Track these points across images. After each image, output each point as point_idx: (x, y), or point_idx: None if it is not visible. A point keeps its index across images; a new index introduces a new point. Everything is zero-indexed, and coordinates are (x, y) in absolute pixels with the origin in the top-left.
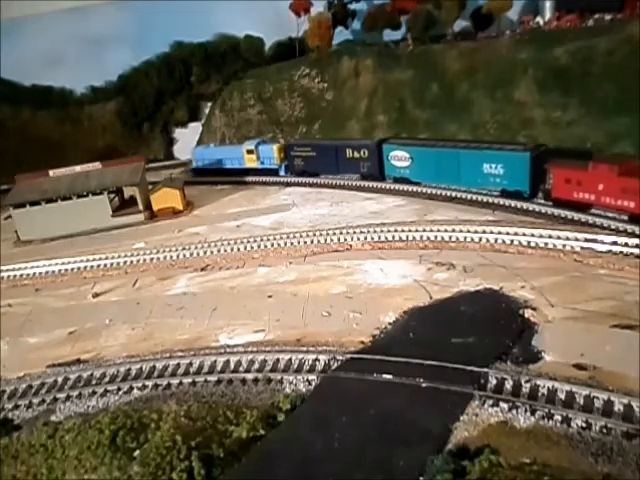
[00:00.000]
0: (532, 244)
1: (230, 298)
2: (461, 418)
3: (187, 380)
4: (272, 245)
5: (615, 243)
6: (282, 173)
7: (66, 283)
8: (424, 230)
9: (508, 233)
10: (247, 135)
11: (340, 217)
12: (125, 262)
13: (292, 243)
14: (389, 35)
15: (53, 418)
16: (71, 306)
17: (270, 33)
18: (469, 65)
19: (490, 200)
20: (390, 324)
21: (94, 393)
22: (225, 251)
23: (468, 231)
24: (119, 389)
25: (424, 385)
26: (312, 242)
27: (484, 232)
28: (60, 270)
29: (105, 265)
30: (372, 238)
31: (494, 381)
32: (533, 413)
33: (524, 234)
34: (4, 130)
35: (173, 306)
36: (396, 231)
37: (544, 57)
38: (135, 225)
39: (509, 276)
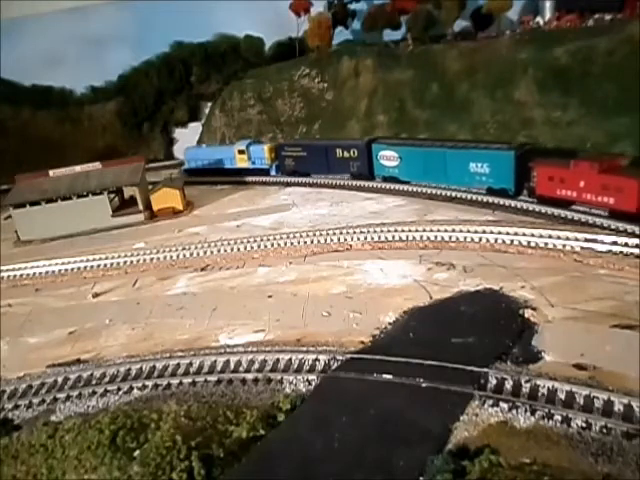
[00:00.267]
0: (532, 244)
1: (230, 298)
2: (461, 418)
3: (187, 380)
4: (272, 245)
5: (615, 243)
6: (273, 173)
7: (66, 283)
8: (424, 230)
9: (508, 233)
10: (247, 135)
11: (340, 217)
12: (125, 262)
13: (292, 243)
14: (389, 35)
15: (53, 418)
16: (71, 306)
17: (270, 33)
18: (469, 65)
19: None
20: (390, 324)
21: (94, 393)
22: (225, 251)
23: (468, 231)
24: (119, 389)
25: (424, 385)
26: (312, 242)
27: (484, 232)
28: (60, 270)
29: (105, 265)
30: (372, 238)
31: (494, 381)
32: (533, 413)
33: (524, 234)
34: (4, 130)
35: (173, 306)
36: (396, 231)
37: (544, 57)
38: (135, 225)
39: (509, 276)
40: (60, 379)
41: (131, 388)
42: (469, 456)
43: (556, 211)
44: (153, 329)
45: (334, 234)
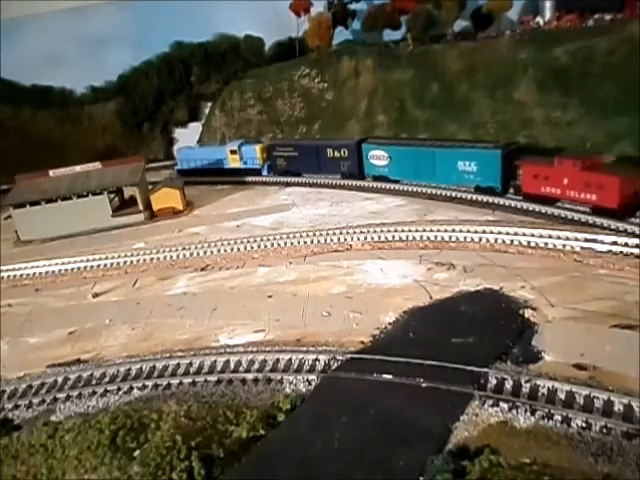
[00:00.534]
0: (532, 244)
1: (230, 298)
2: (461, 418)
3: (187, 380)
4: (272, 245)
5: (615, 243)
6: (265, 173)
7: (66, 283)
8: (424, 230)
9: (508, 233)
10: (247, 135)
11: (340, 217)
12: (125, 262)
13: (292, 243)
14: (389, 35)
15: (53, 418)
16: (71, 306)
17: (270, 33)
18: (469, 65)
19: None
20: (390, 324)
21: (94, 393)
22: (225, 251)
23: (468, 231)
24: (119, 389)
25: (424, 385)
26: (312, 242)
27: (484, 232)
28: (60, 270)
29: (105, 265)
30: (372, 238)
31: (494, 381)
32: (533, 413)
33: (524, 234)
34: (4, 130)
35: (173, 306)
36: (396, 231)
37: (544, 57)
38: (135, 225)
39: (509, 276)
40: (60, 379)
41: (131, 388)
42: (469, 456)
43: (543, 208)
44: (153, 329)
45: (334, 234)
